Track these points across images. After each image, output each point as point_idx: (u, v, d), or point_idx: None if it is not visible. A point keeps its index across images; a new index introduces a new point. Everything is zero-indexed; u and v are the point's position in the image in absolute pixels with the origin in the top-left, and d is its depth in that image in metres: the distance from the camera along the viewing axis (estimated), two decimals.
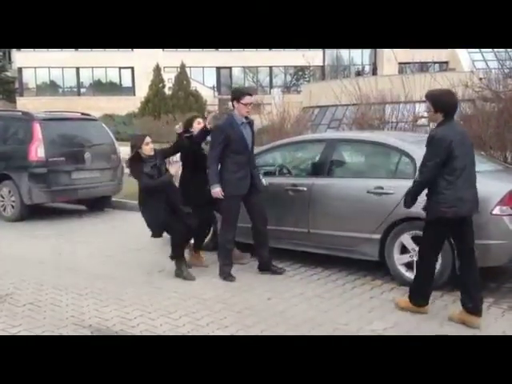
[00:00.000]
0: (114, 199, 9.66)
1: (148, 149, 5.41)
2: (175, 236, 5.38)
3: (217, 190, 5.23)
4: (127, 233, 7.69)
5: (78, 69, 35.87)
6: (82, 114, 9.80)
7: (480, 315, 4.18)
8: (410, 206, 4.37)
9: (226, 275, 5.35)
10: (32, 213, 8.58)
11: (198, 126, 5.78)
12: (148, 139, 5.45)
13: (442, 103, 4.14)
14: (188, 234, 5.44)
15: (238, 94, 5.39)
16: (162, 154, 5.64)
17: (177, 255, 5.45)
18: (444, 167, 4.06)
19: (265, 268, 5.53)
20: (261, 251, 5.50)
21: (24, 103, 30.63)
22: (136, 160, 5.40)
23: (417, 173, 4.56)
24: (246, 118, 5.37)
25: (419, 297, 4.41)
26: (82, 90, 37.49)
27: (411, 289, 4.48)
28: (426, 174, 4.14)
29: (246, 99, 5.29)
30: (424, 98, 4.27)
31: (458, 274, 4.40)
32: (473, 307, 4.18)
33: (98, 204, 9.49)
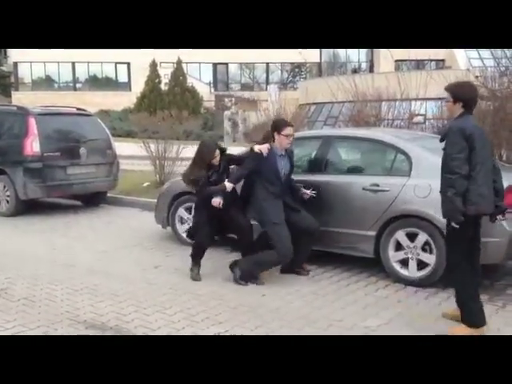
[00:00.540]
0: (109, 195, 9.65)
1: (215, 161, 5.33)
2: (200, 239, 5.38)
3: (217, 200, 5.15)
4: (123, 229, 7.68)
5: (73, 64, 35.67)
6: (78, 109, 9.77)
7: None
8: (461, 212, 3.83)
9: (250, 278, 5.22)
10: (27, 208, 8.56)
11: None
12: (217, 153, 5.33)
13: (462, 93, 3.98)
14: (210, 240, 5.42)
15: (278, 126, 5.23)
16: (228, 160, 5.46)
17: (195, 256, 5.40)
18: None
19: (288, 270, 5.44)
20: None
21: (19, 98, 30.47)
22: (199, 168, 5.33)
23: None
24: (286, 149, 5.27)
25: (473, 316, 3.97)
26: (78, 85, 37.32)
27: (461, 311, 4.04)
28: (462, 165, 3.81)
29: (287, 130, 5.16)
30: (444, 90, 4.09)
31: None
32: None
33: (93, 200, 9.47)
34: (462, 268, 3.97)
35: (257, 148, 5.18)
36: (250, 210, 5.33)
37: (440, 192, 4.03)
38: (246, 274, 5.17)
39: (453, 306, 4.32)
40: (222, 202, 5.15)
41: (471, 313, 3.97)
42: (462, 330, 3.96)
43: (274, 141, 5.22)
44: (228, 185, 5.16)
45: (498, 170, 4.20)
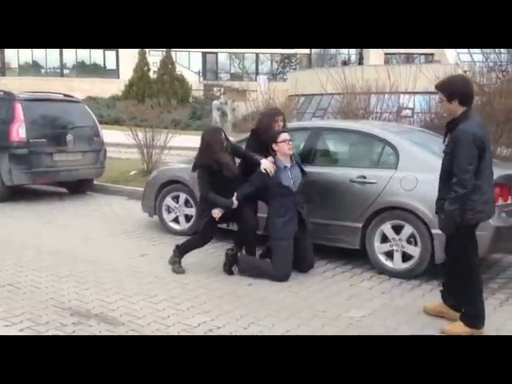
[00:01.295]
0: (96, 182, 9.59)
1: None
2: (200, 236, 5.33)
3: (216, 212, 5.07)
4: (109, 217, 7.65)
5: (61, 49, 35.30)
6: (65, 95, 9.67)
7: (460, 311, 4.10)
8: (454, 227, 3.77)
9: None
10: (12, 194, 8.48)
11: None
12: (222, 136, 5.17)
13: (455, 88, 3.75)
14: (208, 239, 5.34)
15: (273, 137, 5.12)
16: (232, 150, 5.30)
17: (184, 249, 5.33)
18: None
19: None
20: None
21: (6, 83, 29.95)
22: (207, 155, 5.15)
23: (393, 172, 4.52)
24: (291, 158, 5.18)
25: (476, 318, 3.91)
26: (66, 72, 36.95)
27: (465, 312, 3.96)
28: (470, 180, 3.62)
29: (282, 137, 5.07)
30: (434, 89, 3.91)
31: (447, 272, 4.23)
32: (454, 304, 4.13)
33: (79, 187, 9.40)
34: (474, 273, 3.92)
35: (262, 168, 5.05)
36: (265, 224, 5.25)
37: (438, 200, 3.93)
38: (242, 269, 5.19)
39: (434, 299, 4.37)
40: (220, 214, 5.07)
41: (478, 316, 3.89)
42: (461, 328, 3.89)
43: (275, 154, 5.13)
44: (235, 202, 5.07)
45: None
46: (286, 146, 5.08)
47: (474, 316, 3.90)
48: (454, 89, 3.77)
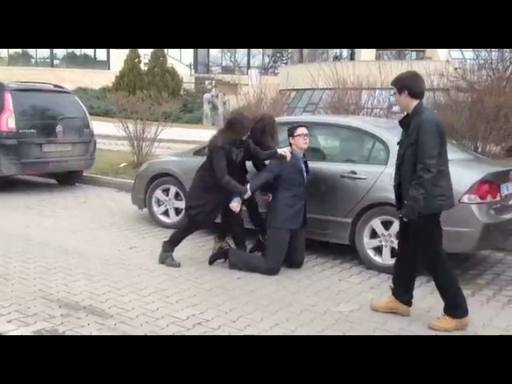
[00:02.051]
0: (85, 174, 9.55)
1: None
2: (191, 223, 5.27)
3: (235, 205, 5.05)
4: (99, 209, 7.62)
5: None
6: (55, 85, 9.59)
7: (411, 305, 4.19)
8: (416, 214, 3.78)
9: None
10: (1, 185, 8.41)
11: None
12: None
13: (403, 80, 3.93)
14: (195, 227, 5.33)
15: (290, 130, 5.20)
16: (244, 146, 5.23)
17: (178, 239, 5.28)
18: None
19: None
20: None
21: None
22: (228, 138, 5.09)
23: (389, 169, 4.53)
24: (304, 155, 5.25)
25: (459, 308, 3.94)
26: (56, 62, 36.63)
27: (447, 304, 3.97)
28: (435, 166, 3.71)
29: (299, 131, 5.13)
30: (394, 91, 3.98)
31: (399, 266, 4.21)
32: (406, 299, 4.17)
33: (69, 178, 9.36)
34: (443, 261, 3.96)
35: (281, 151, 5.10)
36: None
37: (397, 186, 3.99)
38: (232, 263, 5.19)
39: (421, 294, 4.40)
40: (239, 206, 5.04)
41: (458, 305, 3.93)
42: (447, 323, 3.91)
43: (291, 145, 5.19)
44: (249, 191, 5.06)
45: None
46: (301, 140, 5.14)
47: (456, 305, 3.93)
48: (404, 82, 3.94)
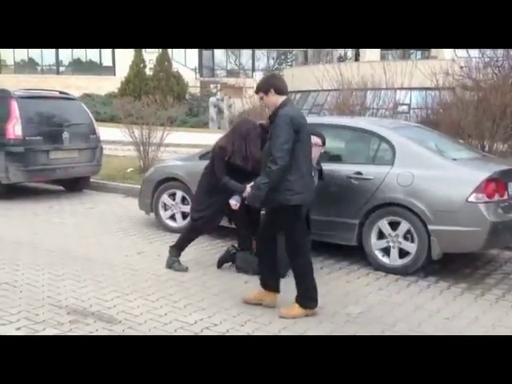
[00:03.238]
0: (92, 180, 9.57)
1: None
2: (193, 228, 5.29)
3: (234, 203, 4.98)
4: (106, 214, 7.64)
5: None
6: (61, 92, 9.64)
7: (278, 291, 4.33)
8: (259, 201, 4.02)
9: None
10: (8, 192, 8.46)
11: None
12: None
13: (267, 80, 4.19)
14: (199, 232, 5.32)
15: None
16: None
17: (180, 246, 5.30)
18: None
19: None
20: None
21: (1, 81, 29.84)
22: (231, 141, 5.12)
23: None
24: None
25: (312, 300, 4.18)
26: (61, 69, 36.80)
27: (299, 295, 4.17)
28: (283, 158, 3.84)
29: (313, 140, 4.78)
30: (261, 95, 4.15)
31: (262, 257, 4.33)
32: (273, 286, 4.32)
33: (76, 185, 9.37)
34: (303, 253, 4.15)
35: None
36: None
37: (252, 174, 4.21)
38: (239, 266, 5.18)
39: (430, 295, 4.37)
40: (239, 204, 5.00)
41: (310, 297, 4.14)
42: (297, 311, 4.11)
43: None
44: (248, 189, 4.89)
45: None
46: (315, 150, 4.88)
47: (308, 297, 4.14)
48: (268, 82, 4.15)
